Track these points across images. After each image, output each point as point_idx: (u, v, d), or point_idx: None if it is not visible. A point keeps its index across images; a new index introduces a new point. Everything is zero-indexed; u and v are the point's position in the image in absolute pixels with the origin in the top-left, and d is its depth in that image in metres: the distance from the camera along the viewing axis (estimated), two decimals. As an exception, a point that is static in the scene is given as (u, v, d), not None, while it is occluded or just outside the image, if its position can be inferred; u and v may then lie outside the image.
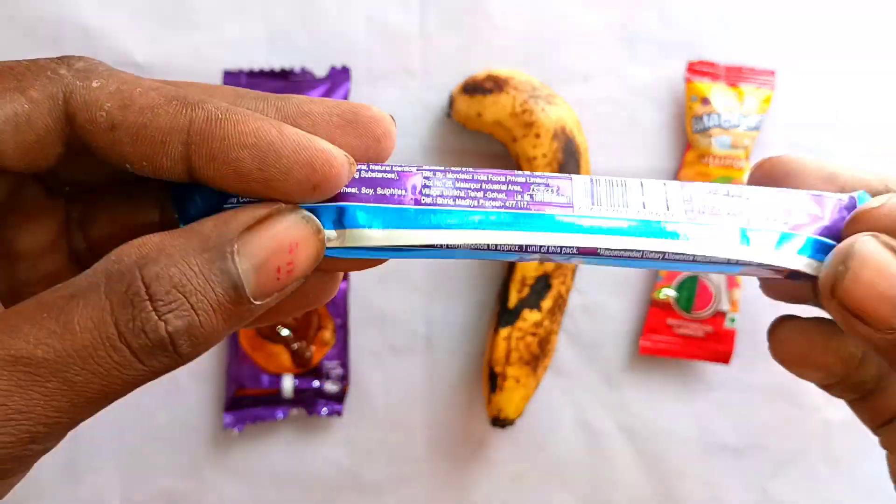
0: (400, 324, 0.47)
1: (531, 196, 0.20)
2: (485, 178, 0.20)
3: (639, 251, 0.20)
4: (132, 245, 0.16)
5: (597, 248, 0.20)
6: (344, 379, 0.46)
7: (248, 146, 0.17)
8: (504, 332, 0.44)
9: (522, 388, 0.44)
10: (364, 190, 0.19)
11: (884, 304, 0.18)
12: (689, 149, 0.46)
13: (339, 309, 0.46)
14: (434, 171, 0.20)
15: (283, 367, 0.45)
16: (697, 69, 0.46)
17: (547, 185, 0.20)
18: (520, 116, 0.43)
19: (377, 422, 0.47)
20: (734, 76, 0.46)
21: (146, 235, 0.17)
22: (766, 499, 0.48)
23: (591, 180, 0.20)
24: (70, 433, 0.48)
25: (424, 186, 0.20)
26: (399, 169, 0.20)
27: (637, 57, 0.47)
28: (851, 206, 0.20)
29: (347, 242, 0.19)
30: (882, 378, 0.22)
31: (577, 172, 0.44)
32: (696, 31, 0.47)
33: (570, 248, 0.20)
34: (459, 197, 0.20)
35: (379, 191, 0.19)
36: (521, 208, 0.20)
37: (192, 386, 0.46)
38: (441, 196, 0.20)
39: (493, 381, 0.44)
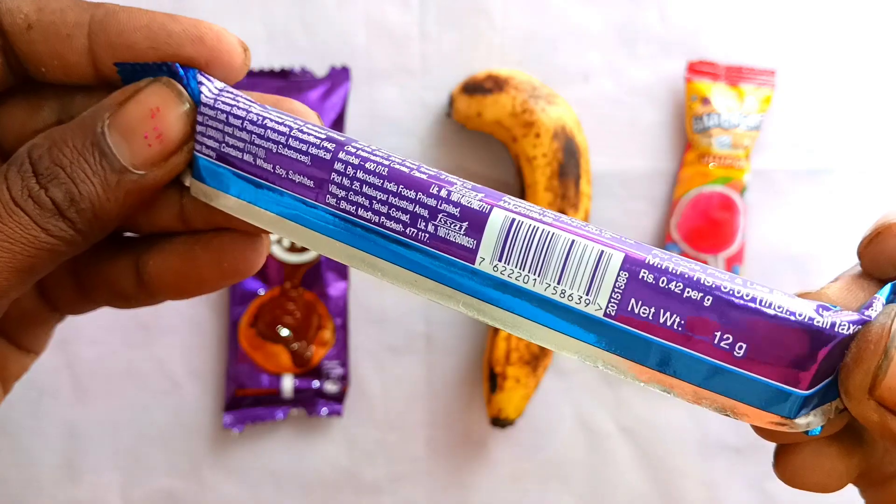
0: (400, 324, 0.47)
1: (433, 228, 0.18)
2: (394, 188, 0.18)
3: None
4: (25, 144, 0.19)
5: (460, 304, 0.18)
6: (344, 379, 0.46)
7: (141, 28, 0.19)
8: (504, 331, 0.44)
9: (522, 388, 0.44)
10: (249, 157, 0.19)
11: None
12: (689, 149, 0.46)
13: (339, 309, 0.46)
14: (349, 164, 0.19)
15: (282, 367, 0.45)
16: (697, 69, 0.46)
17: (455, 219, 0.17)
18: (520, 116, 0.43)
19: (377, 422, 0.47)
20: (734, 76, 0.46)
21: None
22: (766, 499, 0.48)
23: (512, 223, 0.17)
24: (70, 433, 0.48)
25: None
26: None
27: (637, 57, 0.47)
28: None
29: (198, 195, 0.20)
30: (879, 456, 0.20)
31: (577, 172, 0.44)
32: (696, 31, 0.47)
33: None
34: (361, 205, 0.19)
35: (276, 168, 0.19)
36: (399, 239, 0.18)
37: (191, 386, 0.46)
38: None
39: (493, 381, 0.44)
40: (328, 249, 0.20)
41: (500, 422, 0.45)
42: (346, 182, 0.19)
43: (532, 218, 0.17)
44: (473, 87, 0.44)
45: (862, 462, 0.19)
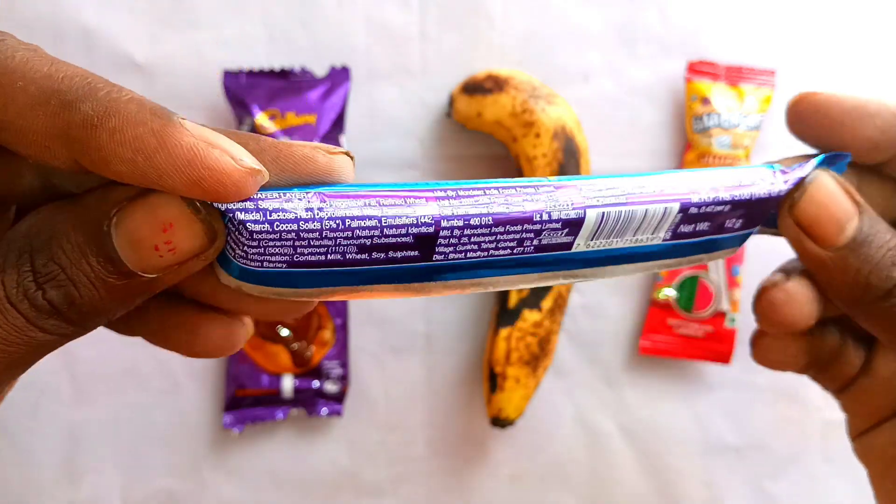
0: (400, 324, 0.47)
1: (537, 242, 0.20)
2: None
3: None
4: (27, 218, 0.18)
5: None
6: (344, 379, 0.46)
7: (126, 161, 0.16)
8: (504, 332, 0.44)
9: (522, 388, 0.44)
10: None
11: (831, 224, 0.22)
12: (689, 149, 0.46)
13: (339, 309, 0.46)
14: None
15: (282, 367, 0.45)
16: (697, 69, 0.46)
17: (556, 230, 0.20)
18: (520, 116, 0.43)
19: (377, 422, 0.47)
20: (734, 76, 0.46)
21: (41, 207, 0.18)
22: (766, 499, 0.48)
23: (602, 216, 0.20)
24: (70, 433, 0.48)
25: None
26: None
27: (637, 57, 0.47)
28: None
29: (241, 290, 0.19)
30: (838, 348, 0.26)
31: (577, 172, 0.44)
32: (696, 31, 0.47)
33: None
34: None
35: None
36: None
37: (191, 386, 0.46)
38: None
39: (493, 381, 0.44)
40: (431, 292, 0.20)
41: (500, 422, 0.45)
42: (453, 241, 0.19)
43: (616, 204, 0.21)
44: (473, 88, 0.44)
45: (810, 349, 0.26)
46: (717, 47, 0.47)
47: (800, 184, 0.23)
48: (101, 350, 0.46)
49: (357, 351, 0.47)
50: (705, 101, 0.46)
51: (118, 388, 0.46)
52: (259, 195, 0.17)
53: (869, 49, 0.48)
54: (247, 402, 0.45)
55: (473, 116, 0.44)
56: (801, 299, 0.24)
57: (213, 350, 0.22)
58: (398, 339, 0.47)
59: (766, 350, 0.26)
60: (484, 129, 0.44)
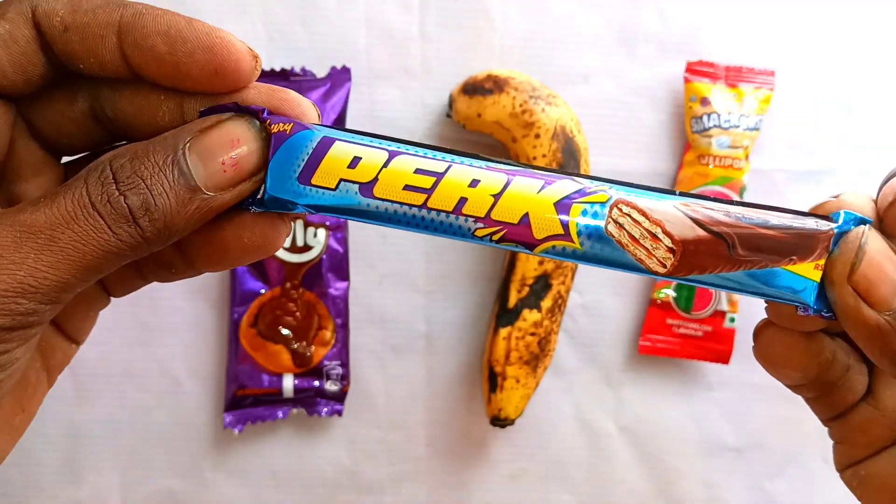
0: (400, 323, 0.47)
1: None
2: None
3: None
4: (107, 151, 0.21)
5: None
6: (344, 379, 0.46)
7: (161, 33, 0.20)
8: (504, 331, 0.44)
9: (522, 388, 0.44)
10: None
11: (888, 286, 0.21)
12: (689, 149, 0.46)
13: (339, 309, 0.46)
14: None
15: (283, 366, 0.45)
16: (697, 69, 0.46)
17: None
18: (520, 117, 0.43)
19: (377, 422, 0.47)
20: (734, 76, 0.46)
21: (119, 145, 0.20)
22: (766, 499, 0.48)
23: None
24: (70, 433, 0.48)
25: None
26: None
27: (637, 57, 0.47)
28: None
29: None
30: (844, 370, 0.25)
31: (577, 172, 0.44)
32: (696, 31, 0.47)
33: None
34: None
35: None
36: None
37: (192, 386, 0.46)
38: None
39: (493, 380, 0.44)
40: None
41: (500, 422, 0.45)
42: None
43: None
44: (473, 88, 0.44)
45: (818, 352, 0.24)
46: (717, 48, 0.47)
47: (841, 241, 0.21)
48: (102, 350, 0.46)
49: (357, 351, 0.47)
50: (705, 101, 0.46)
51: (118, 388, 0.46)
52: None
53: (869, 49, 0.48)
54: (247, 402, 0.45)
55: (473, 117, 0.44)
56: None
57: (265, 243, 0.23)
58: (398, 338, 0.47)
59: (770, 343, 0.25)
60: (484, 130, 0.44)
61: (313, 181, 0.21)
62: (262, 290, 0.45)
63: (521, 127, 0.43)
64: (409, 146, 0.21)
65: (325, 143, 0.21)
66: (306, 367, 0.45)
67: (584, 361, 0.48)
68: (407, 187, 0.21)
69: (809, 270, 0.21)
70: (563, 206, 0.21)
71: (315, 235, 0.45)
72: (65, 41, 0.21)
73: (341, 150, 0.21)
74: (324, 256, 0.45)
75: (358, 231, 0.46)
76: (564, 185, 0.21)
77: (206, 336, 0.46)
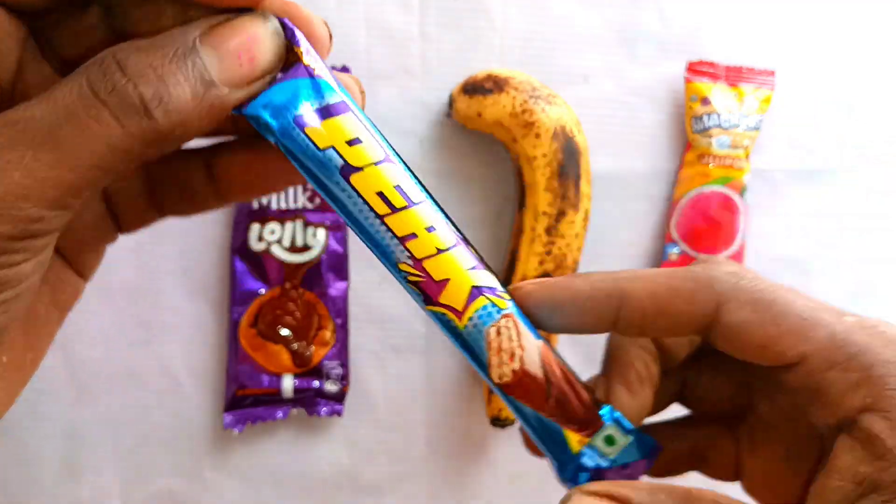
0: (400, 324, 0.47)
1: None
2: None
3: None
4: (107, 49, 0.19)
5: None
6: (344, 379, 0.46)
7: None
8: (504, 332, 0.44)
9: (522, 388, 0.44)
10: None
11: None
12: (689, 149, 0.46)
13: (339, 309, 0.46)
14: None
15: (283, 366, 0.45)
16: (697, 69, 0.46)
17: None
18: (520, 116, 0.43)
19: (377, 422, 0.47)
20: (734, 76, 0.46)
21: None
22: (766, 499, 0.48)
23: None
24: (70, 433, 0.48)
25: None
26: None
27: (637, 57, 0.47)
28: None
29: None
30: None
31: (577, 172, 0.44)
32: (696, 31, 0.47)
33: None
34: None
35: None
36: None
37: (191, 386, 0.46)
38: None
39: (493, 381, 0.44)
40: None
41: (500, 422, 0.45)
42: None
43: None
44: (473, 88, 0.44)
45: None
46: (717, 48, 0.47)
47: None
48: (101, 350, 0.46)
49: (357, 351, 0.47)
50: (705, 101, 0.46)
51: (118, 388, 0.46)
52: None
53: (869, 49, 0.48)
54: (247, 402, 0.45)
55: (473, 116, 0.44)
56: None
57: (279, 178, 0.22)
58: (398, 338, 0.47)
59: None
60: (484, 130, 0.44)
61: (307, 130, 0.20)
62: (262, 290, 0.45)
63: (521, 127, 0.43)
64: (403, 163, 0.22)
65: (341, 107, 0.21)
66: (306, 367, 0.45)
67: (584, 361, 0.48)
68: (380, 194, 0.21)
69: (575, 441, 0.24)
70: (476, 290, 0.22)
71: (315, 235, 0.45)
72: None
73: (350, 123, 0.21)
74: (324, 256, 0.45)
75: (358, 231, 0.46)
76: (486, 277, 0.22)
77: (206, 336, 0.46)
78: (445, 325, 0.22)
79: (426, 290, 0.22)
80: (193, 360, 0.46)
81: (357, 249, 0.47)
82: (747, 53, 0.47)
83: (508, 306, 0.23)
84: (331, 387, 0.46)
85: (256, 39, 0.20)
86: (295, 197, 0.45)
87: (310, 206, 0.45)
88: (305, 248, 0.45)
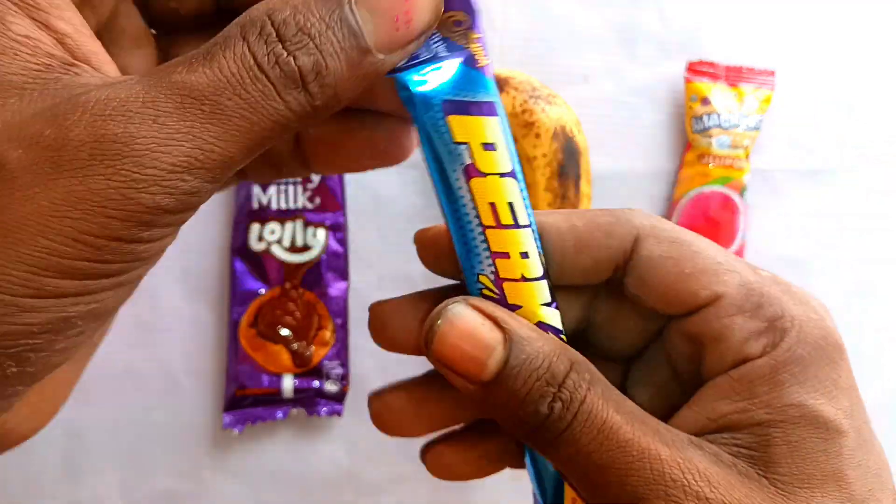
0: (400, 324, 0.47)
1: None
2: None
3: None
4: (259, 4, 0.18)
5: None
6: (344, 379, 0.46)
7: None
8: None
9: (522, 388, 0.44)
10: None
11: (470, 363, 0.20)
12: (689, 149, 0.46)
13: (340, 309, 0.46)
14: None
15: (283, 366, 0.45)
16: (697, 69, 0.46)
17: None
18: (520, 116, 0.43)
19: (377, 422, 0.47)
20: (734, 76, 0.46)
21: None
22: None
23: None
24: (70, 433, 0.48)
25: None
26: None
27: (637, 57, 0.47)
28: None
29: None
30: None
31: (577, 172, 0.44)
32: (696, 31, 0.47)
33: None
34: None
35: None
36: None
37: (191, 386, 0.46)
38: None
39: (493, 381, 0.44)
40: None
41: (500, 422, 0.45)
42: None
43: None
44: (473, 88, 0.44)
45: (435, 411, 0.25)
46: (717, 48, 0.47)
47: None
48: (101, 350, 0.46)
49: (357, 351, 0.47)
50: (705, 101, 0.46)
51: (118, 388, 0.46)
52: None
53: (868, 49, 0.48)
54: (247, 402, 0.45)
55: (473, 116, 0.44)
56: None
57: (395, 150, 0.22)
58: (398, 339, 0.47)
59: (384, 410, 0.26)
60: (484, 130, 0.44)
61: (450, 118, 0.20)
62: (262, 290, 0.45)
63: (521, 126, 0.43)
64: (522, 182, 0.21)
65: (489, 108, 0.20)
66: (306, 367, 0.45)
67: (584, 361, 0.48)
68: (492, 205, 0.20)
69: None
70: (542, 326, 0.21)
71: (315, 235, 0.45)
72: None
73: (491, 127, 0.20)
74: (323, 256, 0.45)
75: (358, 231, 0.46)
76: (555, 318, 0.22)
77: (206, 336, 0.46)
78: None
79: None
80: (193, 360, 0.46)
81: (357, 249, 0.47)
82: (747, 53, 0.47)
83: None
84: (331, 387, 0.46)
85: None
86: (295, 197, 0.45)
87: (310, 206, 0.45)
88: (305, 248, 0.45)
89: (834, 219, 0.48)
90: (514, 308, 0.21)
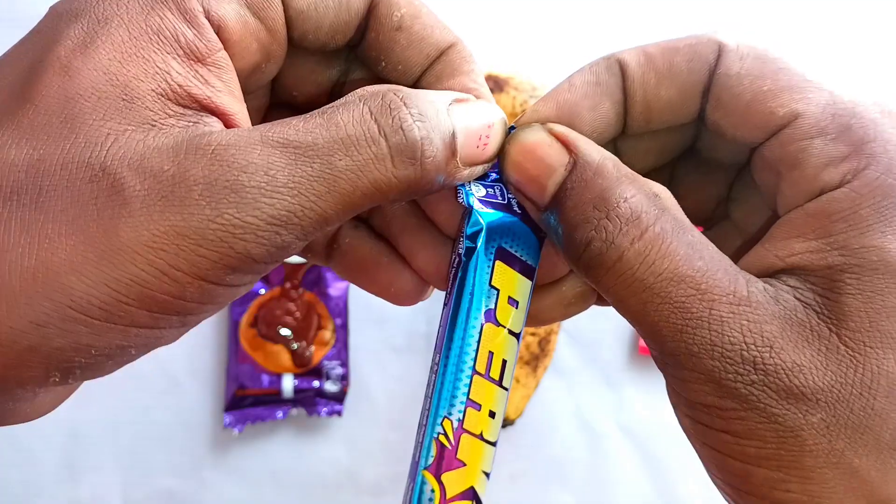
0: (400, 323, 0.47)
1: None
2: None
3: None
4: (381, 85, 0.19)
5: None
6: (344, 379, 0.46)
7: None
8: (504, 331, 0.44)
9: (522, 388, 0.44)
10: None
11: (533, 184, 0.19)
12: (689, 149, 0.47)
13: (340, 309, 0.46)
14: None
15: (283, 367, 0.45)
16: (697, 69, 0.46)
17: None
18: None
19: (377, 422, 0.47)
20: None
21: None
22: (766, 499, 0.48)
23: None
24: (70, 433, 0.48)
25: None
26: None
27: (637, 57, 0.47)
28: None
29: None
30: None
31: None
32: (695, 32, 0.47)
33: None
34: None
35: None
36: None
37: (192, 386, 0.46)
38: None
39: (493, 380, 0.44)
40: None
41: (500, 422, 0.45)
42: None
43: None
44: (473, 88, 0.44)
45: None
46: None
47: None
48: (102, 350, 0.46)
49: (357, 351, 0.47)
50: (705, 101, 0.46)
51: (118, 388, 0.46)
52: None
53: (868, 49, 0.48)
54: (247, 402, 0.45)
55: (473, 116, 0.44)
56: None
57: (402, 295, 0.22)
58: (398, 338, 0.47)
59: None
60: (484, 130, 0.44)
61: (497, 263, 0.20)
62: (262, 291, 0.45)
63: (521, 127, 0.43)
64: (518, 349, 0.22)
65: (530, 272, 0.21)
66: (306, 367, 0.45)
67: (584, 361, 0.48)
68: (490, 355, 0.21)
69: None
70: (471, 492, 0.22)
71: (315, 235, 0.45)
72: (391, 39, 0.21)
73: (523, 288, 0.21)
74: (324, 256, 0.45)
75: (358, 231, 0.46)
76: (484, 489, 0.22)
77: (206, 336, 0.46)
78: (425, 499, 0.22)
79: (441, 458, 0.22)
80: (193, 360, 0.46)
81: (357, 249, 0.47)
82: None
83: None
84: (331, 387, 0.46)
85: (494, 129, 0.19)
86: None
87: (310, 206, 0.45)
88: (305, 248, 0.45)
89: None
90: (459, 464, 0.21)
